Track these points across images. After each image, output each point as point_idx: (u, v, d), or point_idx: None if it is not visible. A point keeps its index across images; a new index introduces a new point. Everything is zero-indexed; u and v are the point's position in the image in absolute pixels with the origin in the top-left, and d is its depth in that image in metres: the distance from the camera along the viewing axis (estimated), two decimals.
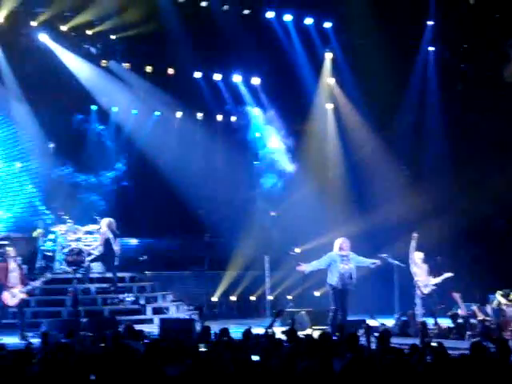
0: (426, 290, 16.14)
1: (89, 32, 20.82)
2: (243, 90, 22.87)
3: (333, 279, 15.30)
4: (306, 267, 15.87)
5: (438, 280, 16.31)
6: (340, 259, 15.34)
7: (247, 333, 10.76)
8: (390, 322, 16.46)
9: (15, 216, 21.43)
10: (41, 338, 10.96)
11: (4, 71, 20.21)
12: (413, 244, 16.22)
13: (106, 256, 18.25)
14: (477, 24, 20.42)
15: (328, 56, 22.11)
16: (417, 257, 16.32)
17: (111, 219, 18.54)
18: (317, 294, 21.02)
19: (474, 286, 20.34)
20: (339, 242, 15.53)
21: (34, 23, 19.97)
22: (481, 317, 15.71)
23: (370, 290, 20.91)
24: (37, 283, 16.16)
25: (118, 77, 21.69)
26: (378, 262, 15.98)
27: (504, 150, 21.43)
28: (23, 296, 15.75)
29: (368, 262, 15.87)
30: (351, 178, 22.19)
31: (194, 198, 22.06)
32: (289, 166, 22.54)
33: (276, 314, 11.32)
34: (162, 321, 15.84)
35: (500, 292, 17.81)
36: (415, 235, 16.23)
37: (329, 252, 15.68)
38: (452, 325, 15.99)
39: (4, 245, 17.79)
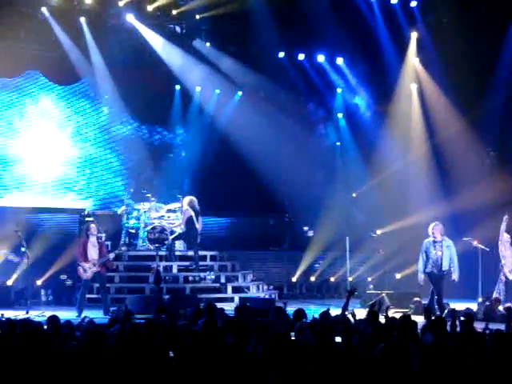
0: (511, 276, 15.77)
1: (174, 12, 21.00)
2: (328, 68, 22.75)
3: (427, 266, 15.20)
4: (420, 278, 15.57)
5: None
6: (433, 245, 15.18)
7: (325, 314, 10.70)
8: (473, 307, 16.16)
9: (106, 192, 22.02)
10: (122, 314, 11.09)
11: (92, 51, 20.57)
12: (503, 226, 15.87)
13: (188, 234, 18.46)
14: None
15: (414, 35, 21.71)
16: (505, 239, 15.97)
17: (193, 197, 18.72)
18: (398, 276, 20.84)
19: None
20: (430, 227, 15.35)
21: (121, 3, 20.24)
22: None
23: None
24: (110, 256, 16.38)
25: (202, 56, 21.81)
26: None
27: None
28: (96, 269, 15.99)
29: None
30: (435, 160, 21.81)
31: (274, 179, 22.09)
32: None
33: (349, 293, 11.18)
34: (242, 300, 15.96)
35: None
36: (506, 217, 15.86)
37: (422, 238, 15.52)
38: None
39: (89, 221, 18.23)
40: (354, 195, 23.07)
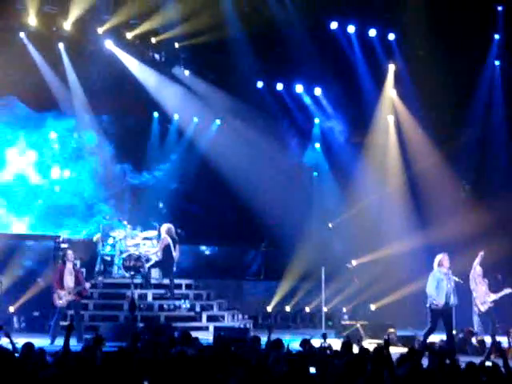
0: (483, 308, 15.81)
1: (153, 40, 21.09)
2: (306, 99, 22.90)
3: (440, 298, 14.52)
4: (439, 302, 14.65)
5: (497, 297, 15.97)
6: (445, 277, 14.69)
7: (305, 343, 10.70)
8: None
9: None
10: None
11: (70, 77, 20.57)
12: (477, 261, 15.89)
13: (165, 262, 18.39)
14: None
15: (391, 68, 21.95)
16: (478, 272, 16.01)
17: (170, 225, 18.69)
18: (372, 307, 20.87)
19: None
20: (439, 258, 14.87)
21: (100, 30, 20.29)
22: None
23: (425, 304, 20.70)
24: (86, 285, 16.25)
25: (180, 84, 21.88)
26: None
27: None
28: (70, 298, 15.85)
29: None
30: (411, 191, 21.96)
31: (252, 208, 22.12)
32: None
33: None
34: (217, 329, 15.88)
35: None
36: (482, 254, 15.84)
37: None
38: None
39: (65, 248, 18.10)
40: (330, 225, 23.11)
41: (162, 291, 18.58)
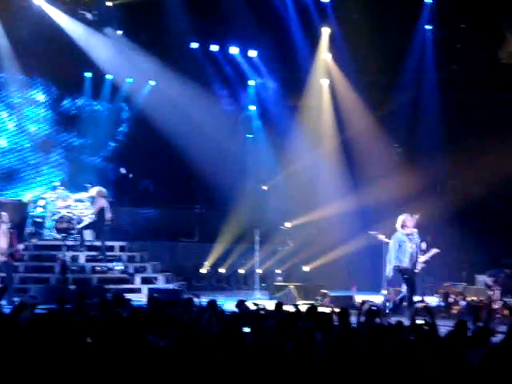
0: (417, 268, 16.15)
1: None
2: (241, 61, 22.76)
3: (404, 260, 14.14)
4: (389, 270, 14.60)
5: (427, 257, 16.33)
6: (407, 238, 14.27)
7: (241, 304, 10.83)
8: (378, 299, 16.49)
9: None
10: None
11: None
12: (411, 223, 16.09)
13: (98, 224, 18.25)
14: (474, 4, 20.29)
15: (325, 31, 21.93)
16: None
17: (101, 188, 18.54)
18: (306, 268, 21.11)
19: (463, 266, 20.46)
20: (402, 219, 14.43)
21: None
22: (469, 297, 15.79)
23: (358, 266, 21.05)
24: (19, 247, 16.03)
25: (113, 44, 21.50)
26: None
27: (498, 129, 21.43)
28: (2, 259, 15.59)
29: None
30: (345, 154, 22.15)
31: (185, 170, 22.05)
32: None
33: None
34: (150, 290, 15.88)
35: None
36: (416, 216, 15.38)
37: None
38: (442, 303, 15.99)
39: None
40: (264, 188, 23.18)
41: (94, 253, 18.46)
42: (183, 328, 7.08)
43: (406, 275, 14.43)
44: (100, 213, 18.17)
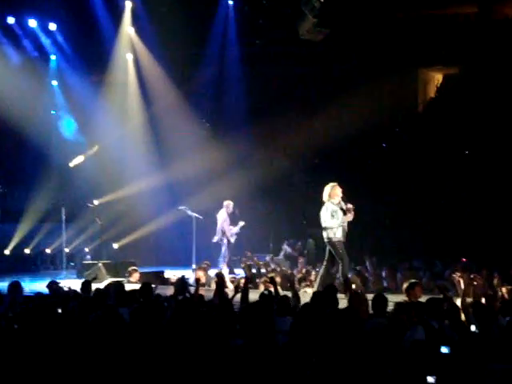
0: (232, 239, 16.75)
1: None
2: (41, 35, 21.89)
3: (339, 232, 12.78)
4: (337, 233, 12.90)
5: (237, 229, 16.89)
6: (340, 209, 12.85)
7: (52, 285, 10.66)
8: (188, 273, 16.63)
9: None
10: None
11: None
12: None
13: None
14: None
15: (128, 4, 21.57)
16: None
17: None
18: (115, 246, 20.93)
19: (270, 238, 21.09)
20: (328, 191, 12.95)
21: None
22: (274, 267, 16.37)
23: (168, 241, 21.16)
24: None
25: None
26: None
27: (301, 103, 22.18)
28: None
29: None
30: (152, 130, 22.05)
31: None
32: None
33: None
34: None
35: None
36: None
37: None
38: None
39: None
40: (71, 165, 22.57)
41: None
42: None
43: (340, 245, 13.05)
44: None
